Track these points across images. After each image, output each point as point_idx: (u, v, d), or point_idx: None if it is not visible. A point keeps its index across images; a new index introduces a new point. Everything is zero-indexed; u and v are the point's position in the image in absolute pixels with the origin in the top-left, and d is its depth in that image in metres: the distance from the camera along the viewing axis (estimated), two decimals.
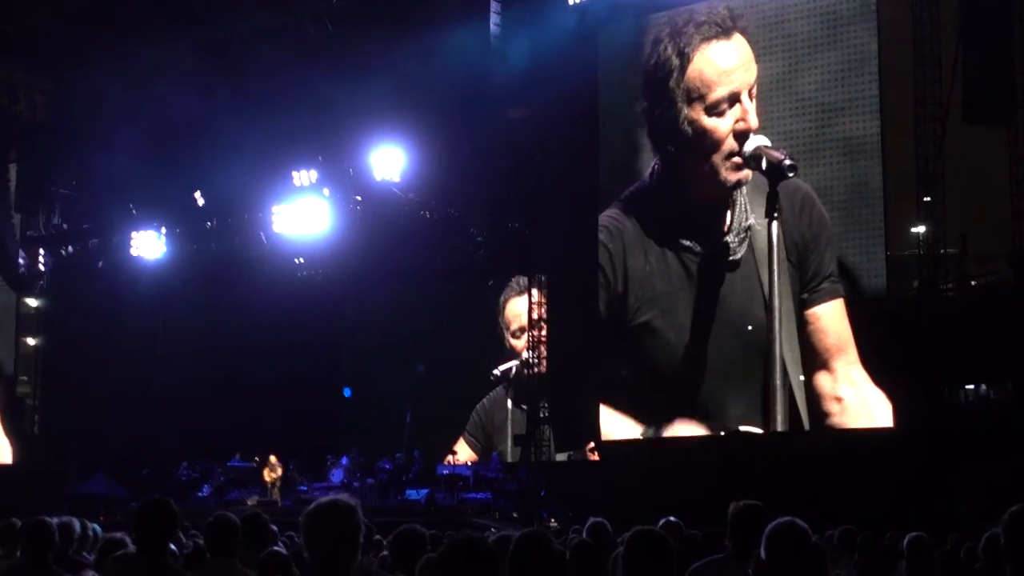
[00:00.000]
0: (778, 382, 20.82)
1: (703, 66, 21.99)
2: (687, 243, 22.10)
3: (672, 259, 22.21)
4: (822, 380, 20.62)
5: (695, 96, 21.88)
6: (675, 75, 22.15)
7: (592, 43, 23.68)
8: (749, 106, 21.57)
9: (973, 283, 25.34)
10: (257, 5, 27.05)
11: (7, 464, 31.06)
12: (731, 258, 21.62)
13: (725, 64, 21.89)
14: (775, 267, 20.85)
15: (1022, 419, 20.11)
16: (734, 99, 21.62)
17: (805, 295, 20.88)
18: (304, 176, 27.63)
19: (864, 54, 21.08)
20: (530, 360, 25.29)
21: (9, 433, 31.52)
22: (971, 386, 23.18)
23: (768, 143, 21.16)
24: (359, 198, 27.70)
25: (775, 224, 20.86)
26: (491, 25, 23.56)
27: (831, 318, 20.71)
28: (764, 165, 20.96)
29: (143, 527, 6.73)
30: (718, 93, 21.73)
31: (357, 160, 26.73)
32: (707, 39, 22.00)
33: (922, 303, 21.18)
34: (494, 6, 23.66)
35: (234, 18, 27.46)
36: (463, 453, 28.04)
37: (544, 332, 25.11)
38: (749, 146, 21.31)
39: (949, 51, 20.59)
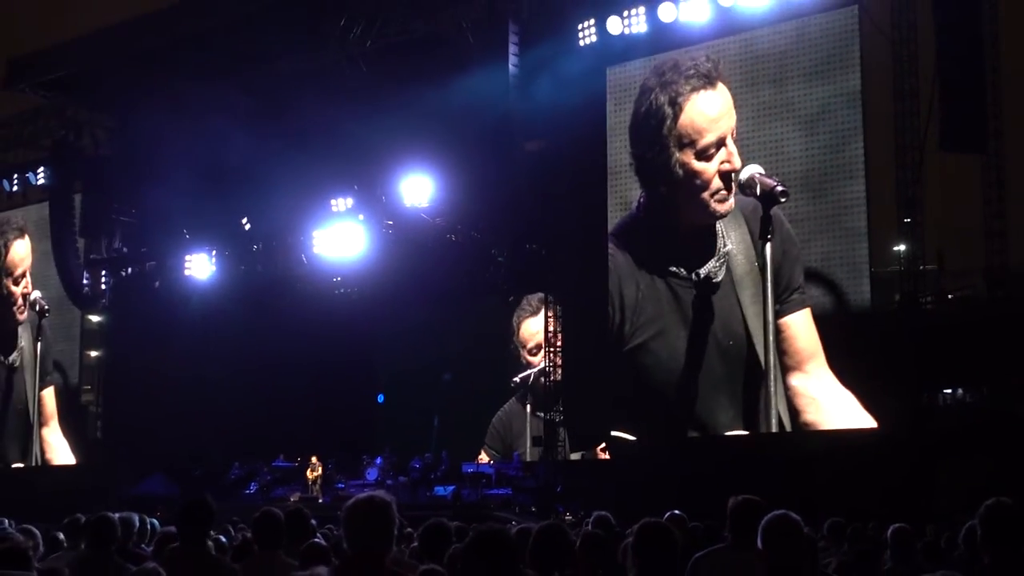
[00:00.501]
0: (771, 388, 20.81)
1: (694, 115, 21.97)
2: (673, 269, 22.11)
3: (661, 284, 22.25)
4: (796, 381, 20.66)
5: (686, 142, 21.85)
6: (668, 123, 22.11)
7: (602, 80, 23.67)
8: (732, 148, 21.57)
9: (950, 296, 25.25)
10: (298, 49, 27.17)
11: (71, 465, 31.20)
12: (713, 281, 21.63)
13: (713, 112, 21.89)
14: (768, 284, 20.85)
15: (996, 420, 20.04)
16: (720, 143, 21.64)
17: (778, 307, 20.90)
18: (341, 203, 27.72)
19: (849, 90, 21.04)
20: (546, 369, 25.26)
21: (73, 437, 31.65)
22: (949, 390, 23.10)
23: (762, 171, 21.13)
24: (391, 223, 27.73)
25: (768, 245, 20.86)
26: (510, 66, 23.56)
27: (801, 326, 20.77)
28: (758, 191, 20.96)
29: (185, 522, 6.74)
30: (707, 139, 21.72)
31: (389, 188, 26.78)
32: (695, 89, 21.99)
33: (904, 315, 21.12)
34: (512, 48, 23.67)
35: (277, 61, 27.61)
36: None
37: (559, 343, 25.05)
38: (744, 174, 21.30)
39: (926, 85, 20.58)
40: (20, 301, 32.77)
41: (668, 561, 5.42)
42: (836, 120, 20.99)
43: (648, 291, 22.39)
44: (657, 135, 22.25)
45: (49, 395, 32.08)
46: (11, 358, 32.68)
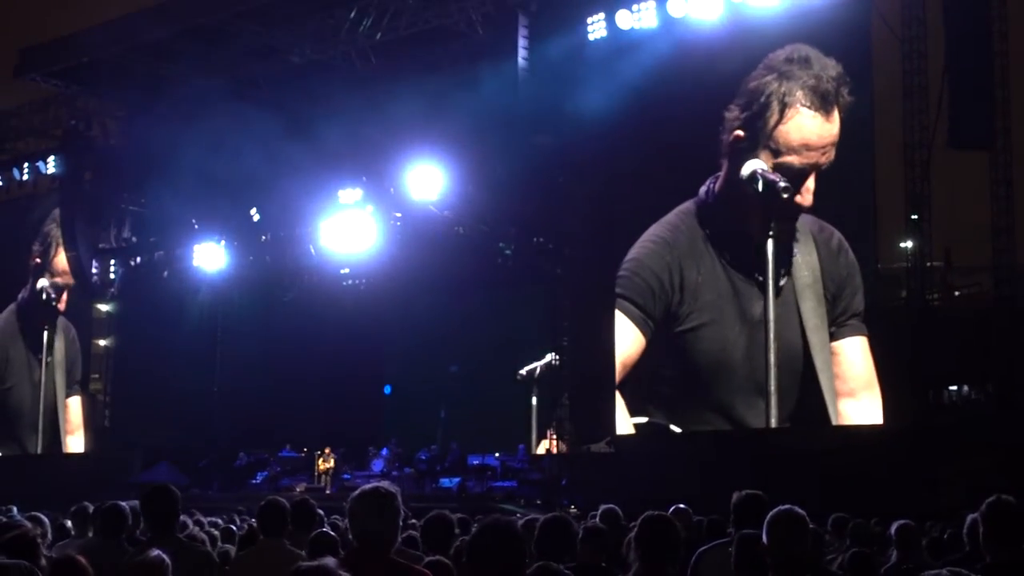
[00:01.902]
0: (772, 387, 20.68)
1: (791, 130, 20.97)
2: (736, 264, 21.53)
3: (721, 274, 21.67)
4: (846, 407, 20.34)
5: (772, 148, 21.00)
6: (768, 116, 21.12)
7: (611, 74, 23.56)
8: (811, 186, 20.71)
9: (956, 293, 25.28)
10: (308, 41, 27.18)
11: (79, 453, 31.26)
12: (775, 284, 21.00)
13: (811, 139, 20.84)
14: (769, 281, 20.68)
15: (1000, 417, 20.04)
16: (802, 173, 20.76)
17: (833, 328, 20.53)
18: (349, 195, 27.66)
19: (858, 87, 20.93)
20: (553, 362, 25.25)
21: (90, 421, 31.67)
22: (954, 387, 23.11)
23: (765, 166, 20.94)
24: (399, 215, 27.70)
25: (769, 242, 20.66)
26: (519, 59, 23.56)
27: (855, 352, 20.40)
28: (760, 187, 20.74)
29: (148, 511, 6.72)
30: (791, 160, 20.85)
31: (397, 180, 26.73)
32: (807, 106, 20.88)
33: (910, 312, 21.10)
34: (522, 42, 23.67)
35: (288, 53, 27.63)
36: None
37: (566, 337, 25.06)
38: (746, 169, 20.90)
39: (935, 83, 20.55)
40: (55, 301, 32.68)
41: (670, 554, 5.45)
42: (845, 116, 20.89)
43: (708, 278, 21.84)
44: (754, 120, 21.32)
45: (75, 404, 31.97)
46: (46, 357, 32.64)
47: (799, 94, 20.98)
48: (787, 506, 5.26)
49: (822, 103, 20.82)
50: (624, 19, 23.14)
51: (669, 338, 22.31)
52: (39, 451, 32.02)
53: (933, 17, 20.72)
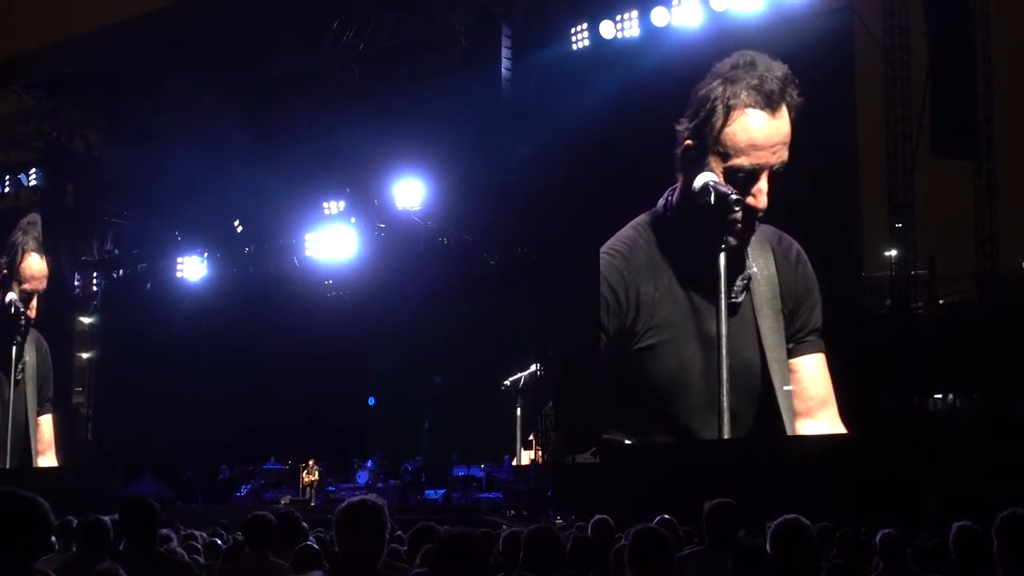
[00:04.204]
0: (725, 403, 20.53)
1: (738, 131, 20.74)
2: (693, 279, 21.23)
3: (678, 290, 21.40)
4: (805, 427, 20.31)
5: (721, 152, 20.77)
6: (714, 120, 20.90)
7: (594, 84, 23.57)
8: (764, 187, 20.43)
9: (941, 302, 25.31)
10: (291, 52, 27.17)
11: (62, 467, 30.97)
12: (733, 301, 20.68)
13: (758, 138, 20.62)
14: (721, 296, 20.50)
15: (985, 426, 20.08)
16: (753, 174, 20.50)
17: (791, 344, 20.38)
18: (333, 206, 27.68)
19: (841, 95, 20.97)
20: (537, 372, 25.25)
21: (63, 438, 31.33)
22: (939, 395, 23.16)
23: (716, 179, 20.80)
24: (383, 226, 27.74)
25: (722, 256, 20.45)
26: (503, 69, 23.60)
27: (813, 369, 20.27)
28: (712, 199, 20.58)
29: (127, 524, 6.67)
30: (739, 161, 20.59)
31: (381, 192, 26.78)
32: (752, 105, 20.65)
33: (895, 320, 21.15)
34: (505, 52, 23.71)
35: (270, 64, 27.60)
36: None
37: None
38: (698, 182, 20.69)
39: (919, 91, 20.63)
40: (24, 311, 32.27)
41: (664, 565, 5.45)
42: (828, 125, 20.94)
43: (665, 294, 21.57)
44: (702, 127, 21.11)
45: (47, 423, 31.41)
46: (15, 373, 32.11)
47: (743, 95, 20.80)
48: (792, 515, 5.27)
49: (767, 101, 20.63)
50: (607, 29, 23.17)
51: (626, 356, 22.14)
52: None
53: (916, 26, 20.80)
